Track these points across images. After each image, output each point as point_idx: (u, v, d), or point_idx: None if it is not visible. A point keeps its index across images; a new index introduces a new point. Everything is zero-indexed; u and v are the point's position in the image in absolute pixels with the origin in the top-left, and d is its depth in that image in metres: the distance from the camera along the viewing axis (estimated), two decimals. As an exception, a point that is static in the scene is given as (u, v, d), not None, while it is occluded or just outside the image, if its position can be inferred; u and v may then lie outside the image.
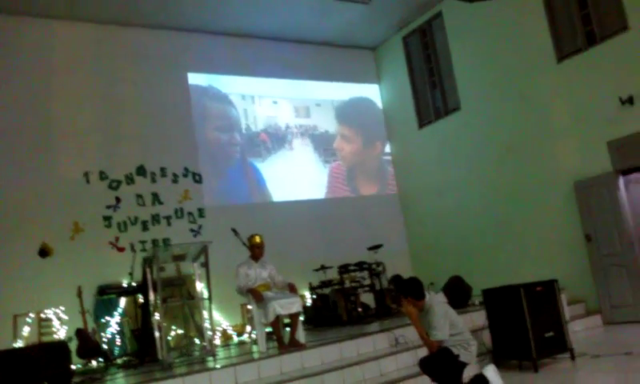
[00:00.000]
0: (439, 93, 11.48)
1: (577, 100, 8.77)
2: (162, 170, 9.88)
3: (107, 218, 9.24)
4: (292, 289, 6.92)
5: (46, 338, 7.71)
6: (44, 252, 8.60)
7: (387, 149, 12.65)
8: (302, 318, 7.07)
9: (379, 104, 12.75)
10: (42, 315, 7.95)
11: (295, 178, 11.30)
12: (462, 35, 10.73)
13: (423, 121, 11.79)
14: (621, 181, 8.25)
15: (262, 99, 11.39)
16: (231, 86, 11.06)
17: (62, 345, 6.09)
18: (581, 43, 8.74)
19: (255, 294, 6.68)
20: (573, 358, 6.14)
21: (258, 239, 7.08)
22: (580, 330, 7.79)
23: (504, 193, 9.97)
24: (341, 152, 12.04)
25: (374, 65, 12.84)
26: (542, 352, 5.98)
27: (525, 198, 9.59)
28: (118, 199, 9.39)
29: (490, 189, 10.24)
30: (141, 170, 9.70)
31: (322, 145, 11.89)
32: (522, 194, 9.63)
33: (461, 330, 5.01)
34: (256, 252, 7.04)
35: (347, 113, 12.27)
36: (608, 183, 8.26)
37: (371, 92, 12.72)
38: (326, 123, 12.05)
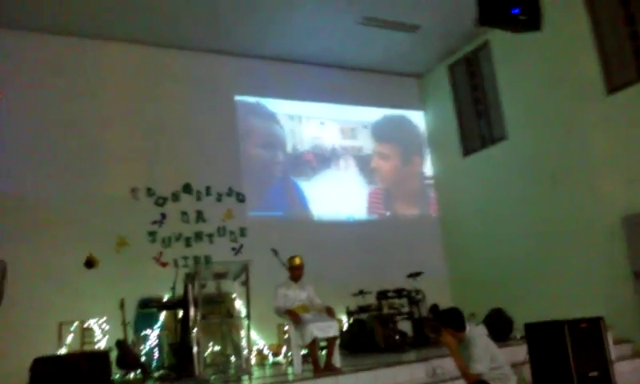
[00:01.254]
0: (485, 121, 11.40)
1: (626, 133, 8.54)
2: (207, 188, 10.10)
3: (152, 234, 9.47)
4: (330, 312, 6.91)
5: (87, 347, 7.91)
6: (90, 263, 8.87)
7: (428, 172, 12.64)
8: (338, 343, 7.02)
9: (422, 128, 12.76)
10: (85, 325, 8.17)
11: (339, 198, 11.37)
12: (510, 65, 10.65)
13: (468, 149, 11.70)
14: (673, 217, 7.98)
15: (309, 120, 11.56)
16: (279, 105, 11.28)
17: (103, 354, 6.24)
18: (632, 75, 8.56)
19: (293, 316, 6.70)
20: (618, 400, 5.92)
21: (297, 261, 7.12)
22: (626, 371, 7.45)
23: (549, 224, 9.75)
24: (379, 172, 12.05)
25: (418, 92, 12.86)
26: (585, 392, 5.79)
27: (570, 230, 9.34)
28: (163, 215, 9.62)
29: (534, 220, 10.03)
30: (187, 188, 9.93)
31: (367, 166, 11.98)
32: (568, 227, 9.38)
33: (501, 363, 4.92)
34: (295, 273, 7.08)
35: (385, 131, 12.30)
36: (659, 220, 8.00)
37: (415, 118, 12.73)
38: (373, 145, 12.16)
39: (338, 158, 11.68)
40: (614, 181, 8.75)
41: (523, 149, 10.31)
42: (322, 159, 11.51)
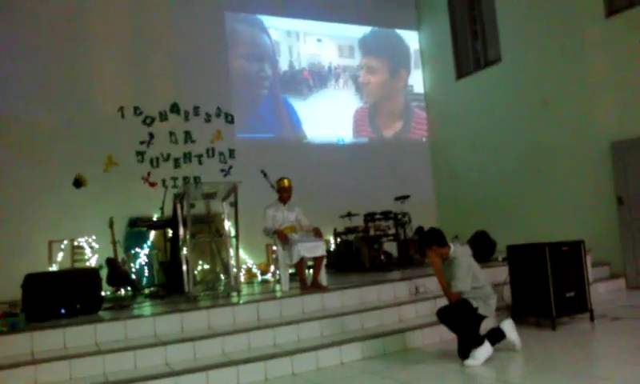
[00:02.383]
0: (480, 43, 11.21)
1: (622, 58, 8.43)
2: (196, 108, 9.97)
3: (140, 153, 9.43)
4: (317, 233, 7.01)
5: (78, 265, 8.04)
6: (78, 183, 8.87)
7: (419, 90, 12.54)
8: (325, 262, 7.17)
9: (413, 48, 12.55)
10: (75, 243, 8.27)
11: (333, 120, 11.32)
12: (507, -17, 10.36)
13: (462, 71, 11.56)
14: (660, 145, 8.03)
15: (306, 37, 11.31)
16: (276, 21, 11.00)
17: (93, 271, 6.33)
18: (635, -3, 8.36)
19: (281, 236, 6.81)
20: (592, 319, 6.15)
21: (286, 183, 7.15)
22: (602, 292, 7.75)
23: (537, 149, 9.79)
24: (366, 87, 11.93)
25: (415, 11, 12.54)
26: (561, 311, 5.98)
27: (558, 155, 9.41)
28: (151, 135, 9.54)
29: (523, 144, 10.06)
30: (174, 108, 9.80)
31: (364, 86, 11.87)
32: (556, 152, 9.45)
33: (482, 283, 5.04)
34: (284, 195, 7.13)
35: (375, 45, 12.12)
36: (647, 146, 8.05)
37: (407, 38, 12.50)
38: (371, 64, 12.01)
39: (335, 76, 11.54)
40: (606, 106, 8.72)
41: (517, 71, 10.20)
42: (319, 77, 11.36)
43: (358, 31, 11.88)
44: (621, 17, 8.45)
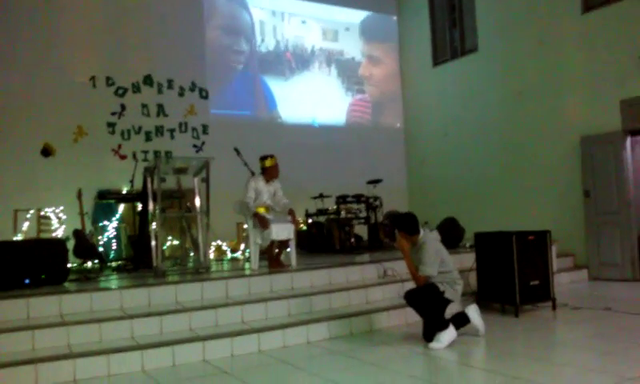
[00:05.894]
0: (458, 31, 11.25)
1: (595, 54, 8.58)
2: (169, 81, 9.81)
3: (111, 125, 9.26)
4: (293, 217, 6.90)
5: (44, 235, 7.88)
6: (46, 151, 8.68)
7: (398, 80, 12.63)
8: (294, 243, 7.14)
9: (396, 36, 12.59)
10: (42, 213, 8.10)
11: (313, 102, 11.29)
12: (487, -27, 10.39)
13: (438, 59, 11.61)
14: (628, 141, 8.20)
15: (291, 17, 11.22)
16: (262, 1, 10.90)
17: (60, 242, 6.22)
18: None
19: (262, 222, 6.68)
20: (554, 307, 6.30)
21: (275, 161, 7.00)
22: (566, 282, 7.96)
23: (509, 140, 9.94)
24: (368, 80, 11.94)
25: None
26: (525, 299, 6.11)
27: (529, 147, 9.56)
28: (123, 107, 9.37)
29: (495, 135, 10.19)
30: (148, 80, 9.63)
31: (347, 71, 11.83)
32: (527, 143, 9.60)
33: (450, 268, 5.11)
34: (274, 173, 6.99)
35: (374, 36, 12.18)
36: (615, 142, 8.22)
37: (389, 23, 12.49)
38: (354, 49, 11.99)
39: (318, 60, 11.50)
40: (577, 100, 8.86)
41: (493, 62, 10.29)
42: (302, 60, 11.32)
43: (341, 15, 11.78)
44: (597, 13, 8.57)
